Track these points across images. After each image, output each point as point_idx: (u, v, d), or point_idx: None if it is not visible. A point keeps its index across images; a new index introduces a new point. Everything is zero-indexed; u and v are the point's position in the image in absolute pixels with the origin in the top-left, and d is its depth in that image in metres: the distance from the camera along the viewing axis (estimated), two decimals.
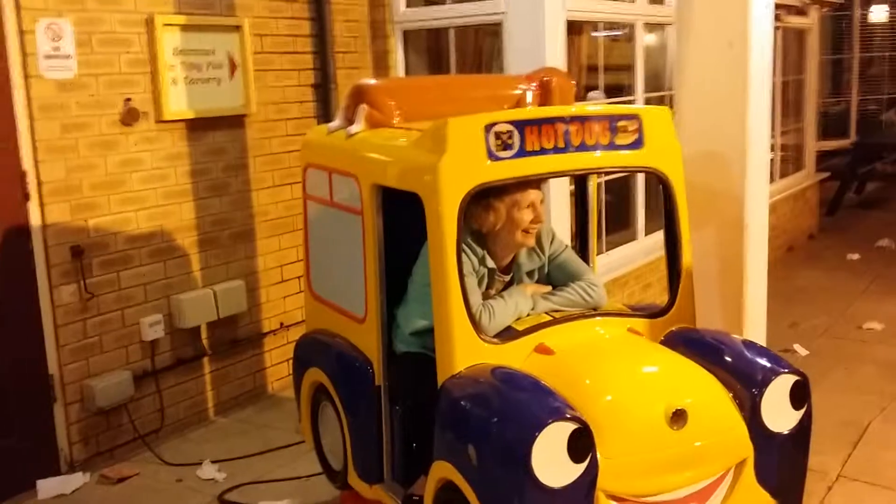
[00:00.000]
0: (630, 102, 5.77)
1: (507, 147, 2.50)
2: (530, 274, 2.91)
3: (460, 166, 2.46)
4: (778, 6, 6.93)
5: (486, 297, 2.72)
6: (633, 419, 2.34)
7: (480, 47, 5.58)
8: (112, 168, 4.10)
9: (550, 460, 2.16)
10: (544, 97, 3.15)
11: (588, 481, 2.21)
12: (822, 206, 9.58)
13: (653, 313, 2.82)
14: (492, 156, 2.49)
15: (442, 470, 2.43)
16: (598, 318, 2.75)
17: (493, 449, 2.26)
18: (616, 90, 5.89)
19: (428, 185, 2.48)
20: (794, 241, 8.53)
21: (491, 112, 2.60)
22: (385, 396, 2.86)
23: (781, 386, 2.47)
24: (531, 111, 2.91)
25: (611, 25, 5.93)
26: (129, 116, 4.13)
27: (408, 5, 5.35)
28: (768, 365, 2.54)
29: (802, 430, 2.52)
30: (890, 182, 11.64)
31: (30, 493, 3.85)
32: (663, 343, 2.72)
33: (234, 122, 4.66)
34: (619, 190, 5.97)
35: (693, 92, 3.78)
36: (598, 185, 5.42)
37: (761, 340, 3.78)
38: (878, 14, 11.91)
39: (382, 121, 2.94)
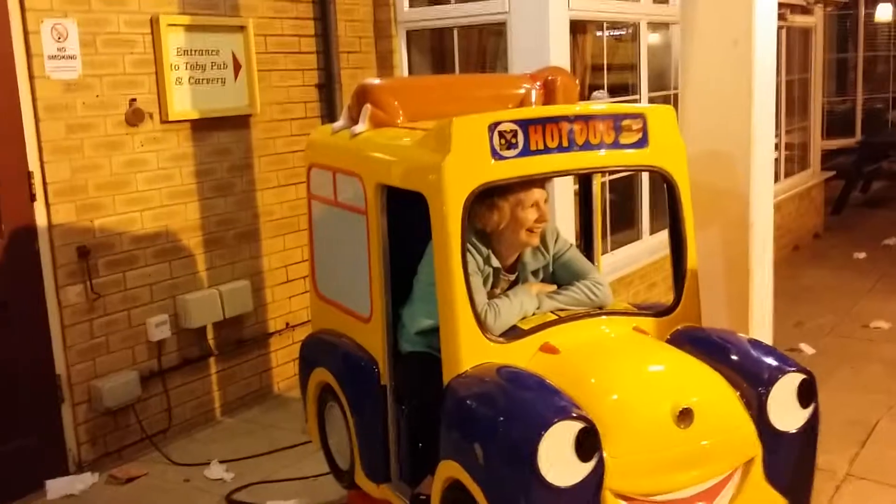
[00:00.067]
0: (634, 101, 5.76)
1: (511, 146, 2.50)
2: (535, 273, 2.90)
3: (464, 165, 2.46)
4: (783, 5, 6.92)
5: (491, 296, 2.72)
6: (639, 418, 2.34)
7: (484, 47, 5.58)
8: (117, 168, 4.11)
9: (557, 459, 2.15)
10: (548, 96, 3.15)
11: (595, 480, 2.21)
12: (827, 204, 9.56)
13: (658, 312, 2.81)
14: (496, 155, 2.49)
15: (448, 469, 2.43)
16: (603, 317, 2.75)
17: (499, 448, 2.26)
18: (620, 89, 5.88)
19: (432, 185, 2.48)
20: (800, 240, 8.51)
21: (495, 111, 2.59)
22: (391, 396, 2.86)
23: (788, 384, 2.47)
24: (535, 110, 2.91)
25: (615, 24, 5.93)
26: (134, 117, 4.14)
27: (411, 5, 5.35)
28: (775, 363, 2.53)
29: (810, 429, 2.51)
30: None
31: (39, 493, 3.86)
32: (669, 342, 2.71)
33: (239, 123, 4.67)
34: (623, 189, 5.97)
35: (697, 91, 3.77)
36: (603, 184, 5.41)
37: (767, 339, 3.77)
38: (883, 13, 11.88)
39: (386, 120, 2.94)
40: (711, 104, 3.73)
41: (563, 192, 4.52)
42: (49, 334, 3.94)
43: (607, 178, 5.49)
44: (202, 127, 4.46)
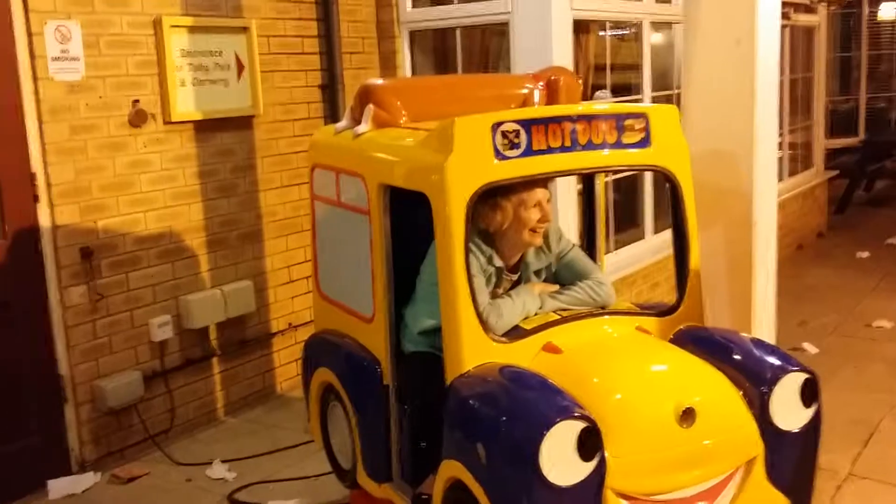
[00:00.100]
0: (637, 101, 5.76)
1: (513, 146, 2.50)
2: (538, 273, 2.91)
3: (467, 166, 2.46)
4: (786, 4, 6.93)
5: (493, 296, 2.72)
6: (641, 417, 2.34)
7: (487, 47, 5.58)
8: (121, 169, 4.12)
9: (559, 459, 2.16)
10: (551, 96, 3.15)
11: (597, 480, 2.21)
12: (831, 204, 9.55)
13: (661, 312, 2.81)
14: (499, 155, 2.49)
15: (451, 469, 2.43)
16: (606, 316, 2.75)
17: (501, 448, 2.26)
18: (623, 89, 5.88)
19: (435, 185, 2.49)
20: (803, 239, 8.50)
21: (498, 111, 2.60)
22: (393, 396, 2.87)
23: (791, 384, 2.47)
24: (538, 110, 2.91)
25: (618, 24, 5.92)
26: (138, 118, 4.15)
27: (414, 5, 5.35)
28: (778, 363, 2.53)
29: (812, 428, 2.51)
30: None
31: (41, 492, 3.87)
32: (672, 342, 2.71)
33: (242, 124, 4.67)
34: (626, 189, 5.97)
35: (700, 90, 3.77)
36: (606, 183, 5.42)
37: (770, 339, 3.77)
38: (887, 12, 11.85)
39: (389, 121, 2.95)
40: (714, 103, 3.73)
41: (566, 192, 4.52)
42: (52, 335, 3.95)
43: (610, 177, 5.50)
44: (205, 128, 4.47)
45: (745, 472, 2.44)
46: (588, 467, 2.19)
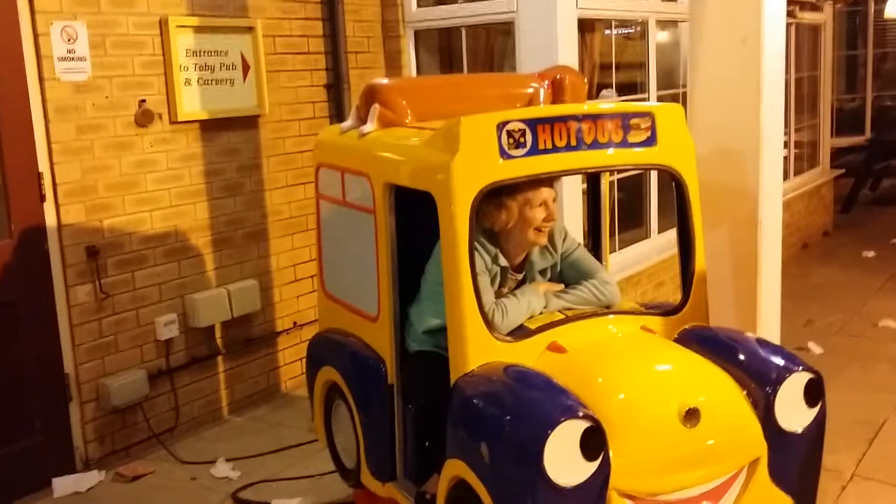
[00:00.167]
0: (643, 100, 5.75)
1: (519, 145, 2.50)
2: (543, 272, 2.90)
3: (473, 165, 2.46)
4: (792, 2, 6.91)
5: (498, 295, 2.73)
6: (646, 417, 2.34)
7: (492, 46, 5.58)
8: (127, 169, 4.13)
9: (563, 458, 2.16)
10: (556, 95, 3.15)
11: (601, 480, 2.21)
12: (836, 203, 9.52)
13: (666, 311, 2.81)
14: (504, 154, 2.49)
15: (454, 468, 2.44)
16: (610, 316, 2.74)
17: (505, 447, 2.26)
18: (629, 88, 5.87)
19: (440, 184, 2.49)
20: (809, 238, 8.48)
21: (503, 111, 2.60)
22: (398, 395, 2.87)
23: (795, 384, 2.46)
24: (543, 109, 2.91)
25: (623, 23, 5.92)
26: (144, 118, 4.16)
27: (419, 5, 5.35)
28: (782, 363, 2.52)
29: (817, 429, 2.51)
30: None
31: (46, 490, 3.88)
32: (677, 341, 2.71)
33: (248, 123, 4.68)
34: (631, 188, 5.96)
35: (706, 89, 3.76)
36: (611, 182, 5.42)
37: (775, 338, 3.76)
38: (893, 9, 11.80)
39: (395, 120, 2.95)
40: (720, 102, 3.72)
41: (572, 191, 4.52)
42: (58, 333, 3.96)
43: (615, 176, 5.49)
44: (211, 127, 4.48)
45: (749, 473, 2.44)
46: (592, 467, 2.19)
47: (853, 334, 5.69)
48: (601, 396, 2.35)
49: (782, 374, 2.46)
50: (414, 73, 5.46)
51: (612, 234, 5.37)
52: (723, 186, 3.65)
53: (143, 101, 4.16)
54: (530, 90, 3.14)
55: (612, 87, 5.71)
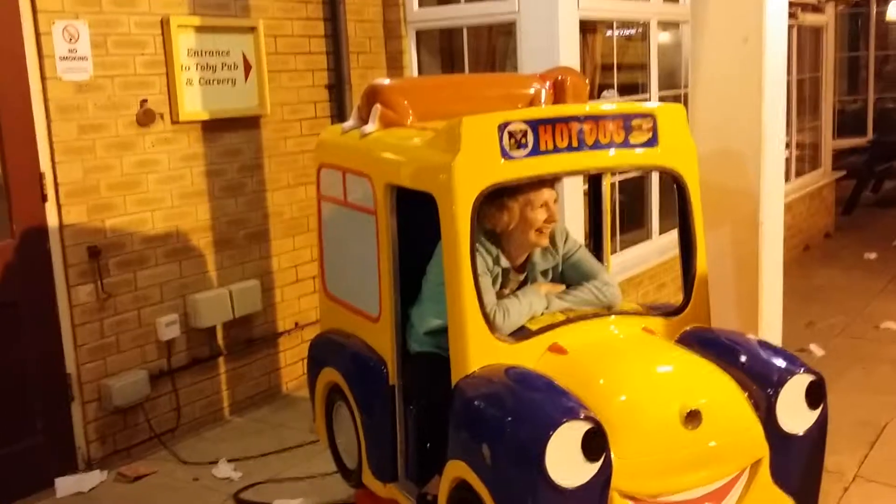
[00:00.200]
0: (644, 101, 5.75)
1: (520, 146, 2.50)
2: (544, 273, 2.90)
3: (474, 165, 2.46)
4: (793, 3, 6.90)
5: (500, 296, 2.72)
6: (647, 419, 2.33)
7: (494, 46, 5.58)
8: (128, 169, 4.13)
9: (564, 460, 2.15)
10: (558, 96, 3.15)
11: (602, 481, 2.21)
12: (838, 204, 9.52)
13: (667, 313, 2.81)
14: (505, 155, 2.49)
15: (456, 469, 2.44)
16: (612, 317, 2.74)
17: (507, 448, 2.26)
18: (630, 89, 5.87)
19: (442, 185, 2.49)
20: (811, 240, 8.47)
21: (505, 111, 2.60)
22: (399, 396, 2.87)
23: (797, 386, 2.46)
24: (545, 110, 2.91)
25: (625, 24, 5.92)
26: (145, 117, 4.16)
27: (421, 5, 5.35)
28: (784, 365, 2.52)
29: (818, 431, 2.51)
30: None
31: (48, 490, 3.89)
32: (678, 343, 2.71)
33: (249, 123, 4.68)
34: (633, 189, 5.96)
35: (707, 89, 3.76)
36: (612, 184, 5.41)
37: (777, 340, 3.76)
38: (895, 12, 11.80)
39: (396, 120, 2.95)
40: (722, 103, 3.72)
41: (573, 192, 4.52)
42: (59, 333, 3.96)
43: (617, 177, 5.49)
44: (213, 128, 4.48)
45: (751, 474, 2.44)
46: (593, 468, 2.19)
47: (855, 336, 5.68)
48: (602, 398, 2.34)
49: (784, 376, 2.46)
50: (415, 73, 5.46)
51: (613, 236, 5.37)
52: (724, 187, 3.65)
53: (145, 100, 4.16)
54: (532, 91, 3.14)
55: (613, 87, 5.71)
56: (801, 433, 2.47)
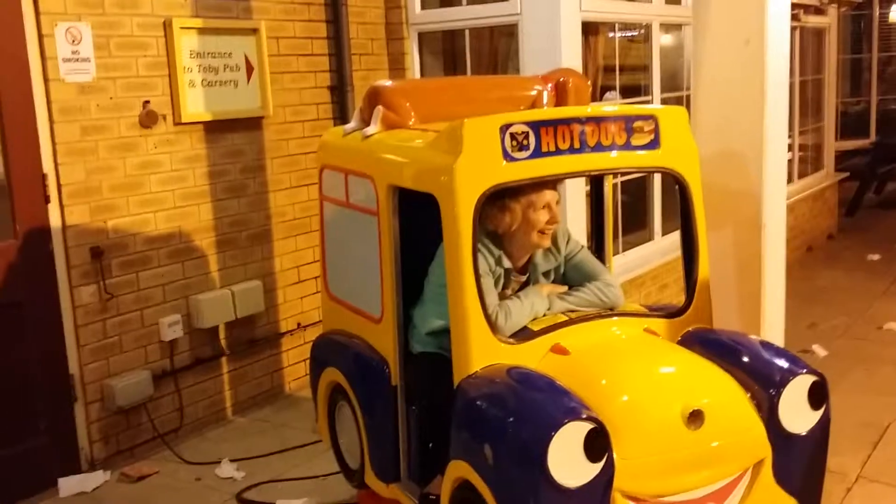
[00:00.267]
0: (646, 103, 5.75)
1: (522, 148, 2.50)
2: (546, 274, 2.91)
3: (476, 167, 2.46)
4: (796, 5, 6.90)
5: (502, 297, 2.73)
6: (649, 419, 2.34)
7: (496, 48, 5.58)
8: (131, 170, 4.14)
9: (566, 460, 2.16)
10: (560, 98, 3.15)
11: (604, 481, 2.21)
12: (841, 206, 9.51)
13: (670, 313, 2.81)
14: (507, 156, 2.49)
15: (458, 469, 2.44)
16: (614, 318, 2.74)
17: (509, 449, 2.27)
18: (632, 91, 5.87)
19: (444, 186, 2.49)
20: (814, 241, 8.47)
21: (506, 113, 2.60)
22: (401, 396, 2.87)
23: (799, 386, 2.46)
24: (547, 112, 2.91)
25: (627, 26, 5.92)
26: (148, 119, 4.17)
27: (423, 7, 5.36)
28: (786, 365, 2.52)
29: (821, 431, 2.51)
30: None
31: (51, 491, 3.89)
32: (680, 343, 2.71)
33: (252, 125, 4.69)
34: (635, 190, 5.96)
35: (709, 91, 3.76)
36: (615, 185, 5.41)
37: (779, 341, 3.76)
38: None
39: (398, 122, 2.95)
40: (724, 104, 3.72)
41: (575, 194, 4.52)
42: (63, 334, 3.97)
43: (619, 179, 5.49)
44: (215, 129, 4.49)
45: (754, 475, 2.44)
46: (595, 468, 2.19)
47: (858, 337, 5.68)
48: (604, 398, 2.35)
49: (786, 377, 2.46)
50: (417, 75, 5.46)
51: (615, 237, 5.37)
52: (727, 189, 3.65)
53: (148, 102, 4.17)
54: (534, 92, 3.14)
55: (615, 89, 5.71)
56: (803, 433, 2.47)
